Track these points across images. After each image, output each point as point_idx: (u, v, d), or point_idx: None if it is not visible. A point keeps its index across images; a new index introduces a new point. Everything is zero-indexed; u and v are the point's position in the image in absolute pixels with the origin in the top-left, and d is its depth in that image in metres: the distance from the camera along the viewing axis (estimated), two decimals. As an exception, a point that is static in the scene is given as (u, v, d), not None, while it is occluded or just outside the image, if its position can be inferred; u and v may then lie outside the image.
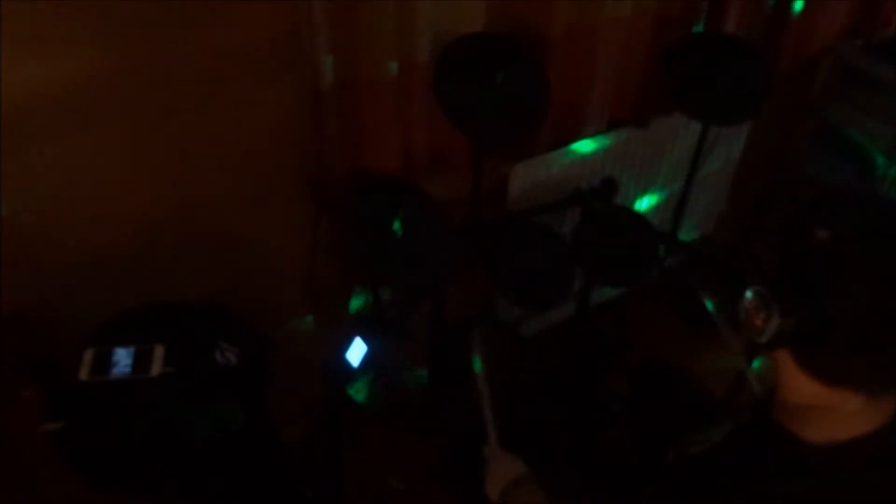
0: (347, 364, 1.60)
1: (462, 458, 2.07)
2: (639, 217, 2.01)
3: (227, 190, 1.61)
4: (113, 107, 1.39)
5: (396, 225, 1.56)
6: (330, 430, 1.78)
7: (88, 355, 1.38)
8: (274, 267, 1.80)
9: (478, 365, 1.42)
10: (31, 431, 1.33)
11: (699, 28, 2.04)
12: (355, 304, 1.92)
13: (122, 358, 1.39)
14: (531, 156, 1.96)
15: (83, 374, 1.36)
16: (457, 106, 1.56)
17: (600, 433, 2.03)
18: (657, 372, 1.72)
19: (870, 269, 0.83)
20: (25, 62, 1.25)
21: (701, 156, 1.95)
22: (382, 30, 1.50)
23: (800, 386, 0.91)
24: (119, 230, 1.52)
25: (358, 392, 1.71)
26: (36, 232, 1.42)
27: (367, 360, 1.60)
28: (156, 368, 1.37)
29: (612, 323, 2.44)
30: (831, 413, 0.92)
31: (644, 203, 2.34)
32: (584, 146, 2.05)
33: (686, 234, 2.26)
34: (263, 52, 1.48)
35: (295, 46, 1.45)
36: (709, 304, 1.40)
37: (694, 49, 1.87)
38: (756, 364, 1.65)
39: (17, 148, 1.31)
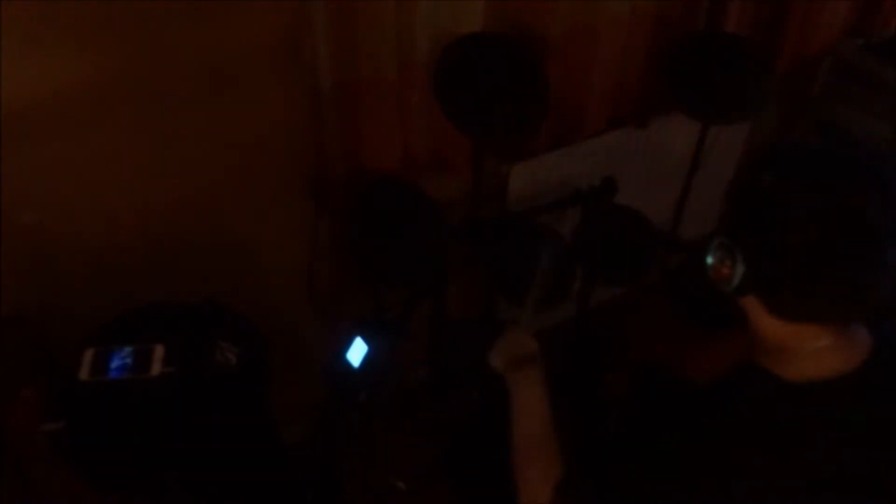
0: (347, 364, 1.60)
1: (462, 457, 2.07)
2: (639, 217, 2.01)
3: (227, 190, 1.61)
4: (113, 107, 1.39)
5: (396, 225, 1.56)
6: (330, 430, 1.78)
7: (88, 355, 1.38)
8: (274, 267, 1.80)
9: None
10: (31, 431, 1.33)
11: (699, 28, 2.04)
12: (355, 304, 1.92)
13: (122, 358, 1.38)
14: (531, 156, 1.96)
15: (83, 374, 1.36)
16: (457, 106, 1.56)
17: (600, 433, 2.03)
18: (657, 372, 1.72)
19: (811, 206, 0.88)
20: (25, 62, 1.25)
21: (701, 156, 1.95)
22: (382, 30, 1.50)
23: (770, 327, 0.97)
24: (119, 230, 1.53)
25: (358, 392, 1.71)
26: (36, 232, 1.42)
27: (367, 360, 1.60)
28: (156, 368, 1.37)
29: (612, 323, 2.44)
30: (805, 352, 0.96)
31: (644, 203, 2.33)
32: (584, 146, 2.05)
33: (686, 234, 2.25)
34: (263, 52, 1.48)
35: (295, 46, 1.45)
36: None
37: (694, 49, 1.87)
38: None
39: (17, 148, 1.31)
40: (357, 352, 1.61)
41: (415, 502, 2.01)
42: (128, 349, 1.40)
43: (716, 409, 0.99)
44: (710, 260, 0.96)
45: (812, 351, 0.96)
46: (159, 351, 1.40)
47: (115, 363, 1.38)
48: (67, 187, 1.42)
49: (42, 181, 1.39)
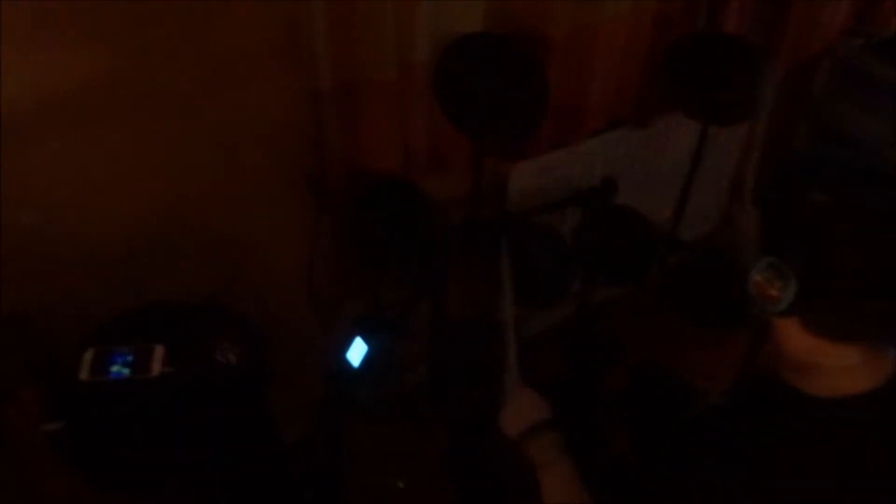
0: (347, 364, 1.60)
1: (462, 457, 2.07)
2: (639, 217, 2.01)
3: (227, 190, 1.61)
4: (113, 107, 1.39)
5: (396, 225, 1.56)
6: (330, 430, 1.78)
7: (88, 355, 1.39)
8: (274, 267, 1.80)
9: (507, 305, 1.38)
10: (31, 431, 1.33)
11: (699, 28, 2.04)
12: (355, 304, 1.92)
13: (122, 358, 1.39)
14: (531, 156, 1.96)
15: (83, 374, 1.36)
16: (457, 106, 1.56)
17: (600, 433, 2.03)
18: (653, 372, 1.72)
19: (864, 228, 0.88)
20: (25, 62, 1.25)
21: (701, 156, 1.95)
22: (382, 30, 1.50)
23: (802, 343, 0.96)
24: (119, 230, 1.52)
25: (358, 392, 1.71)
26: (36, 232, 1.42)
27: (367, 360, 1.60)
28: (156, 368, 1.37)
29: (612, 323, 2.44)
30: (834, 368, 0.95)
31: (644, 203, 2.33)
32: (584, 146, 2.05)
33: (686, 234, 2.25)
34: (263, 52, 1.48)
35: (295, 46, 1.45)
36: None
37: (694, 49, 1.87)
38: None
39: (17, 148, 1.31)
40: (357, 352, 1.61)
41: (415, 502, 2.01)
42: (128, 349, 1.40)
43: (749, 435, 0.97)
44: (756, 278, 0.93)
45: (842, 367, 0.95)
46: (159, 351, 1.40)
47: (115, 363, 1.38)
48: (67, 187, 1.42)
49: (42, 181, 1.39)
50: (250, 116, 1.54)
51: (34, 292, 1.47)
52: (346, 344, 1.62)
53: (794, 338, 0.96)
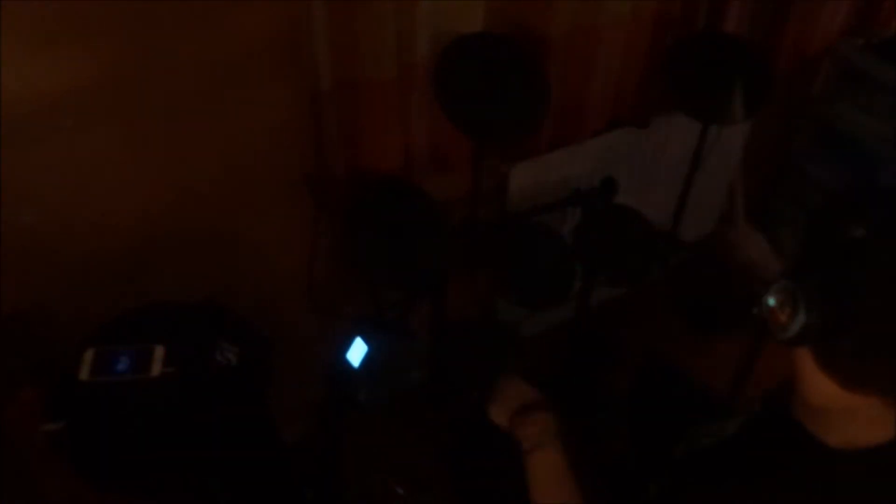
0: (347, 364, 1.60)
1: (462, 458, 2.07)
2: (639, 217, 2.01)
3: (227, 190, 1.61)
4: (113, 107, 1.39)
5: (396, 225, 1.56)
6: (330, 430, 1.77)
7: (88, 355, 1.38)
8: (274, 267, 1.80)
9: None
10: (31, 431, 1.33)
11: (699, 28, 2.04)
12: (355, 304, 1.92)
13: (122, 358, 1.39)
14: (531, 156, 1.96)
15: (83, 374, 1.36)
16: (457, 106, 1.56)
17: (600, 434, 2.03)
18: (658, 368, 1.72)
19: None
20: (25, 62, 1.25)
21: (701, 156, 1.95)
22: (382, 30, 1.49)
23: (819, 386, 0.90)
24: (119, 230, 1.52)
25: (358, 392, 1.71)
26: (36, 232, 1.42)
27: (367, 360, 1.60)
28: (156, 368, 1.37)
29: (612, 323, 2.44)
30: (851, 417, 0.91)
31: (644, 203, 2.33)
32: (584, 146, 2.05)
33: (686, 234, 2.25)
34: (263, 52, 1.48)
35: (295, 46, 1.45)
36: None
37: (694, 49, 1.87)
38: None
39: (17, 148, 1.31)
40: (357, 352, 1.61)
41: (414, 503, 2.01)
42: (128, 349, 1.40)
43: (757, 476, 0.93)
44: (771, 302, 0.88)
45: (860, 418, 0.91)
46: (159, 351, 1.40)
47: (115, 363, 1.38)
48: (67, 187, 1.42)
49: (42, 181, 1.39)
50: (250, 116, 1.54)
51: (34, 292, 1.47)
52: (346, 344, 1.62)
53: (810, 375, 0.91)
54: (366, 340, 1.61)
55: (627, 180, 2.20)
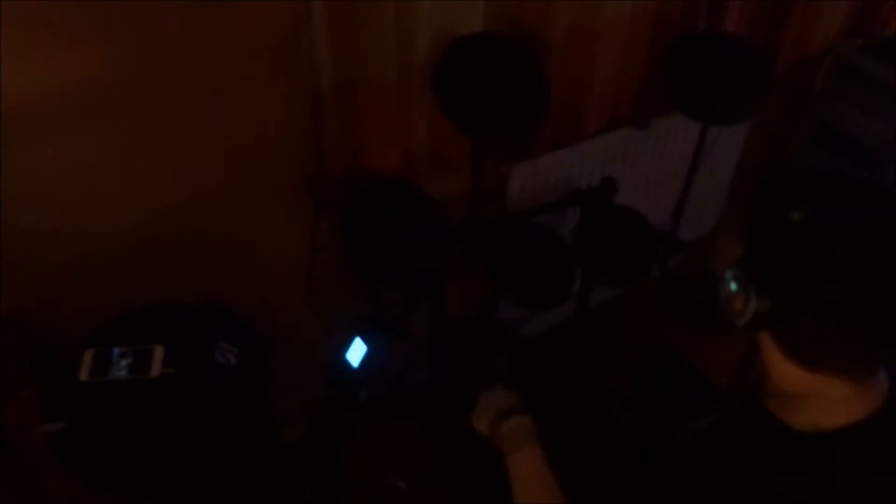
0: (347, 364, 1.60)
1: (462, 457, 2.07)
2: (639, 217, 2.01)
3: (227, 190, 1.61)
4: (113, 107, 1.39)
5: (396, 225, 1.56)
6: (330, 430, 1.78)
7: (88, 355, 1.38)
8: (274, 267, 1.80)
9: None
10: (31, 431, 1.33)
11: (699, 28, 2.04)
12: (355, 304, 1.92)
13: (122, 358, 1.39)
14: (531, 156, 1.96)
15: (83, 374, 1.36)
16: (457, 106, 1.56)
17: (600, 434, 2.03)
18: (660, 362, 1.72)
19: (842, 251, 0.83)
20: (25, 62, 1.25)
21: (701, 156, 1.95)
22: (382, 30, 1.49)
23: (784, 372, 0.93)
24: (119, 230, 1.52)
25: (358, 392, 1.71)
26: (36, 232, 1.42)
27: (367, 360, 1.60)
28: (156, 368, 1.37)
29: (612, 323, 2.44)
30: (818, 400, 0.93)
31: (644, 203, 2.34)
32: (584, 146, 2.05)
33: (686, 234, 2.26)
34: (263, 52, 1.48)
35: (295, 46, 1.45)
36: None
37: (694, 49, 1.87)
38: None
39: (17, 148, 1.31)
40: (357, 352, 1.61)
41: (415, 502, 2.01)
42: (128, 349, 1.40)
43: (726, 466, 0.95)
44: (725, 288, 0.90)
45: (825, 400, 0.92)
46: (159, 351, 1.40)
47: (115, 363, 1.38)
48: (67, 187, 1.42)
49: (42, 181, 1.39)
50: (250, 116, 1.54)
51: (34, 292, 1.47)
52: (346, 344, 1.62)
53: (775, 361, 0.93)
54: (366, 340, 1.61)
55: (627, 180, 2.20)
